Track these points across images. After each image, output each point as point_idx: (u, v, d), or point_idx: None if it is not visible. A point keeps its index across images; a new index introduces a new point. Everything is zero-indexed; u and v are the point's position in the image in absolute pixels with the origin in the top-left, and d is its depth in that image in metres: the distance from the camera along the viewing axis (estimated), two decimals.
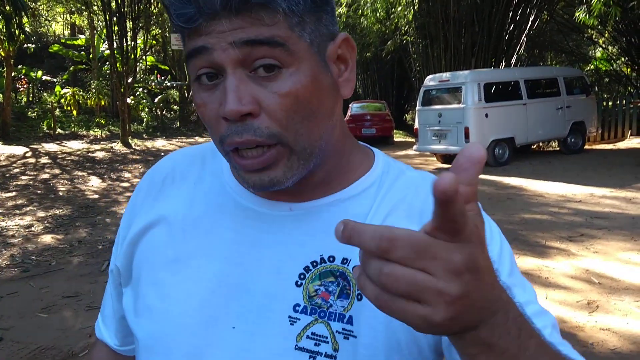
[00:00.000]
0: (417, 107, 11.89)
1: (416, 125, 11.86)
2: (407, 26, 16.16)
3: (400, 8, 16.10)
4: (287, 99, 0.56)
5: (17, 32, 13.37)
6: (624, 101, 14.44)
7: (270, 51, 0.55)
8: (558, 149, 12.84)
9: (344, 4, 19.50)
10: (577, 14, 9.00)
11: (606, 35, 18.21)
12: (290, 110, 0.57)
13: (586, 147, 12.65)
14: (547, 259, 4.79)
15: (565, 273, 4.41)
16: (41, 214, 7.32)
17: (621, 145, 13.34)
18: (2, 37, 14.93)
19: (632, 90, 16.81)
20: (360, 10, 18.26)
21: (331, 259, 0.63)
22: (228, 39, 0.54)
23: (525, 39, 14.94)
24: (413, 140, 13.56)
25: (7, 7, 12.78)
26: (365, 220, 0.64)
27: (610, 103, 14.89)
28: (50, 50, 21.82)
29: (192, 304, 0.65)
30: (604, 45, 19.85)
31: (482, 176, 8.69)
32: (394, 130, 18.17)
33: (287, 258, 0.64)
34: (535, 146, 13.54)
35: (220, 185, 0.71)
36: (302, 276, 0.63)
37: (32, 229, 6.49)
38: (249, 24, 0.54)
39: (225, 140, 0.58)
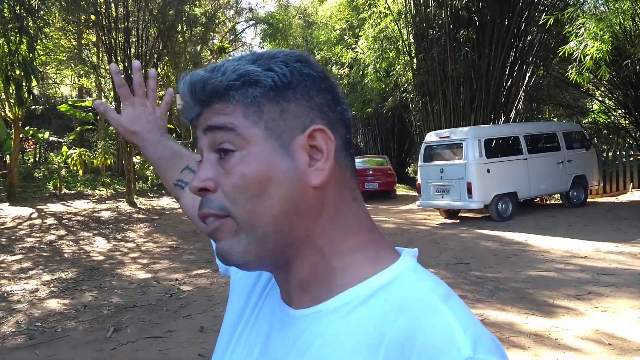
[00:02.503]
0: (419, 163, 12.04)
1: (419, 180, 11.97)
2: (406, 84, 16.54)
3: (399, 67, 16.53)
4: (235, 176, 0.62)
5: (26, 95, 13.73)
6: (624, 153, 14.60)
7: (225, 135, 0.63)
8: (560, 202, 12.89)
9: (346, 65, 20.07)
10: (569, 73, 9.23)
11: (602, 88, 18.58)
12: (238, 187, 0.62)
13: (589, 200, 12.70)
14: (556, 318, 4.75)
15: (574, 334, 4.37)
16: (47, 277, 7.32)
17: (623, 198, 13.38)
18: (11, 100, 15.31)
19: (631, 143, 17.01)
20: (361, 72, 18.77)
21: None
22: (201, 128, 0.66)
23: (522, 94, 15.26)
24: (415, 193, 13.65)
25: (18, 72, 13.17)
26: (311, 344, 0.62)
27: (610, 154, 15.04)
28: (58, 108, 22.28)
29: None
30: (600, 98, 20.22)
31: (486, 231, 8.71)
32: (397, 184, 18.28)
33: None
34: (537, 199, 13.59)
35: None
36: None
37: (38, 293, 6.48)
38: (212, 114, 0.64)
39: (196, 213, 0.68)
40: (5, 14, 11.60)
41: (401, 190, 19.95)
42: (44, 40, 14.03)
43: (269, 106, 0.63)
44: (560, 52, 9.02)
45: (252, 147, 0.62)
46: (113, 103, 17.24)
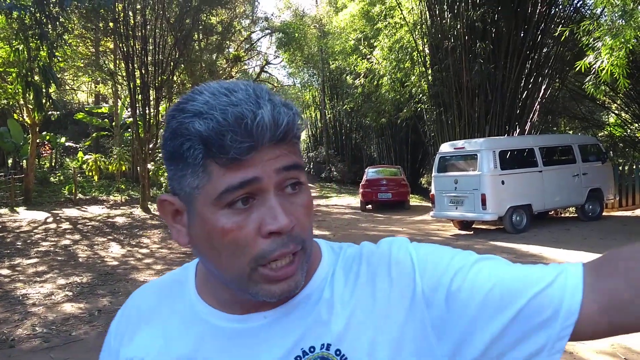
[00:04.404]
0: (433, 174, 12.00)
1: (432, 191, 11.94)
2: (421, 94, 16.54)
3: (414, 78, 16.54)
4: (306, 209, 0.68)
5: (44, 100, 13.92)
6: None
7: (297, 173, 0.67)
8: (576, 215, 12.77)
9: (361, 75, 20.13)
10: (586, 86, 9.17)
11: (618, 101, 18.44)
12: (308, 218, 0.68)
13: (604, 213, 12.57)
14: None
15: (589, 348, 4.32)
16: (62, 281, 7.39)
17: None
18: (29, 106, 15.53)
19: None
20: (376, 82, 18.82)
21: (312, 350, 0.68)
22: (273, 167, 0.64)
23: (538, 106, 15.18)
24: (429, 204, 13.60)
25: (37, 77, 13.37)
26: (332, 305, 0.71)
27: (626, 167, 14.90)
28: (74, 118, 22.57)
29: None
30: (617, 111, 20.05)
31: (500, 243, 8.63)
32: (410, 195, 18.24)
33: None
34: (552, 212, 13.48)
35: (193, 313, 0.76)
36: None
37: (53, 297, 6.55)
38: (286, 152, 0.65)
39: (268, 255, 0.64)
40: (26, 21, 11.80)
41: (414, 200, 19.89)
42: (63, 47, 14.22)
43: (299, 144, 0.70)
44: (577, 67, 8.97)
45: (306, 181, 0.69)
46: (129, 109, 17.45)
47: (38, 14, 11.55)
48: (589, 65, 8.50)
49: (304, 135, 37.32)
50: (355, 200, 19.45)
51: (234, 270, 0.66)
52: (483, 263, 0.69)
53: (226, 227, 0.64)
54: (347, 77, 23.92)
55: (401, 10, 16.68)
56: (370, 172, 17.63)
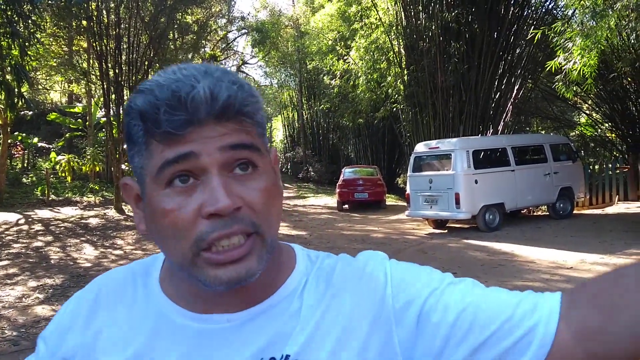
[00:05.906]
0: (409, 173, 12.12)
1: (408, 190, 12.06)
2: (397, 95, 16.66)
3: (390, 78, 16.65)
4: (263, 193, 0.64)
5: (17, 100, 13.62)
6: (610, 165, 14.78)
7: (249, 154, 0.63)
8: (547, 213, 13.00)
9: (338, 75, 20.19)
10: (556, 86, 9.37)
11: (589, 102, 18.82)
12: (265, 204, 0.64)
13: (575, 211, 12.82)
14: None
15: None
16: (33, 283, 7.28)
17: (609, 210, 13.52)
18: (1, 105, 15.21)
19: (617, 156, 17.24)
20: (352, 82, 18.90)
21: None
22: (215, 144, 0.61)
23: (511, 106, 15.42)
24: (405, 203, 13.72)
25: (9, 76, 13.09)
26: (299, 315, 0.69)
27: (597, 166, 15.23)
28: (47, 118, 22.19)
29: None
30: (587, 112, 20.46)
31: (474, 242, 8.72)
32: (386, 195, 18.36)
33: None
34: (525, 210, 13.70)
35: (152, 305, 0.73)
36: None
37: (24, 299, 6.44)
38: (232, 130, 0.62)
39: (206, 237, 0.61)
40: None
41: (391, 200, 20.01)
42: (36, 46, 13.96)
43: (264, 129, 0.68)
44: (547, 66, 9.13)
45: (266, 165, 0.66)
46: (102, 109, 17.24)
47: (9, 12, 11.32)
48: (559, 65, 8.66)
49: (280, 136, 37.13)
50: (332, 200, 19.50)
51: (178, 255, 0.63)
52: (459, 285, 0.67)
53: (167, 208, 0.61)
54: (324, 78, 23.97)
55: (377, 10, 16.77)
56: (347, 172, 17.71)
